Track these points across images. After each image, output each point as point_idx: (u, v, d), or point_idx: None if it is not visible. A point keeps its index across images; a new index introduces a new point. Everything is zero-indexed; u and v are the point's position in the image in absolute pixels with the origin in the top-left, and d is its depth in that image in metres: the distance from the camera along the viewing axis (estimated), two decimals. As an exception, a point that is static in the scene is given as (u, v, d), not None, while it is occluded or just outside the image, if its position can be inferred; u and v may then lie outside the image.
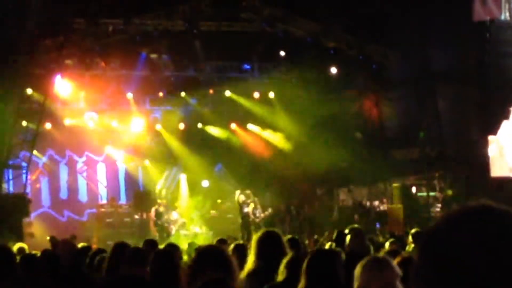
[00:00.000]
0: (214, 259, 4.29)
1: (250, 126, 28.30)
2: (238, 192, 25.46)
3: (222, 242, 10.30)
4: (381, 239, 14.97)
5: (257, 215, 24.05)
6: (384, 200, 24.85)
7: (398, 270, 3.90)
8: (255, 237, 6.08)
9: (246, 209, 24.02)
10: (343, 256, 5.52)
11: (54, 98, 24.07)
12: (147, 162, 28.97)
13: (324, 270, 4.90)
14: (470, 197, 18.99)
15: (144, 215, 25.20)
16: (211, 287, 3.54)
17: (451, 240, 1.44)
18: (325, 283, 4.85)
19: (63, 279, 6.86)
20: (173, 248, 7.92)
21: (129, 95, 26.44)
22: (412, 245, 10.18)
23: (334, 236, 9.89)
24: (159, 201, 25.11)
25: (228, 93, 26.70)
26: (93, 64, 23.42)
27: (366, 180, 25.62)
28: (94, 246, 13.31)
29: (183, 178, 29.19)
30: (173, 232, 24.30)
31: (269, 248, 5.75)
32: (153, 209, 24.17)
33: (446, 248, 1.44)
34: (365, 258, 4.08)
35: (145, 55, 23.75)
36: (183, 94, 27.12)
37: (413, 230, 10.79)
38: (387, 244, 9.67)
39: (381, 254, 6.07)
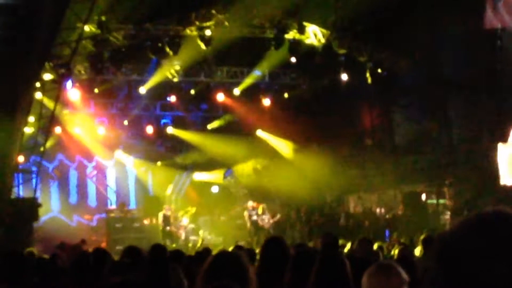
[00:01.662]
0: (229, 265, 4.15)
1: (259, 132, 28.29)
2: (247, 198, 25.50)
3: (239, 248, 10.18)
4: (390, 246, 14.94)
5: (266, 220, 24.04)
6: (394, 207, 24.77)
7: (405, 276, 3.89)
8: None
9: (254, 215, 24.03)
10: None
11: (65, 103, 24.18)
12: (157, 165, 29.00)
13: (334, 275, 4.90)
14: (480, 205, 18.94)
15: (154, 220, 25.21)
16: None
17: (465, 247, 1.45)
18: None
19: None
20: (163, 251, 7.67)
21: (140, 100, 26.53)
22: (422, 251, 10.13)
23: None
24: (165, 206, 25.11)
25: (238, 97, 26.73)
26: (104, 70, 23.48)
27: (376, 187, 25.56)
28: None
29: (193, 183, 29.23)
30: (182, 237, 24.29)
31: (273, 253, 5.77)
32: (160, 214, 24.19)
33: (460, 254, 1.45)
34: (372, 265, 4.08)
35: (156, 60, 23.77)
36: (193, 99, 27.14)
37: (422, 236, 10.74)
38: (396, 251, 9.65)
39: (390, 260, 6.07)
